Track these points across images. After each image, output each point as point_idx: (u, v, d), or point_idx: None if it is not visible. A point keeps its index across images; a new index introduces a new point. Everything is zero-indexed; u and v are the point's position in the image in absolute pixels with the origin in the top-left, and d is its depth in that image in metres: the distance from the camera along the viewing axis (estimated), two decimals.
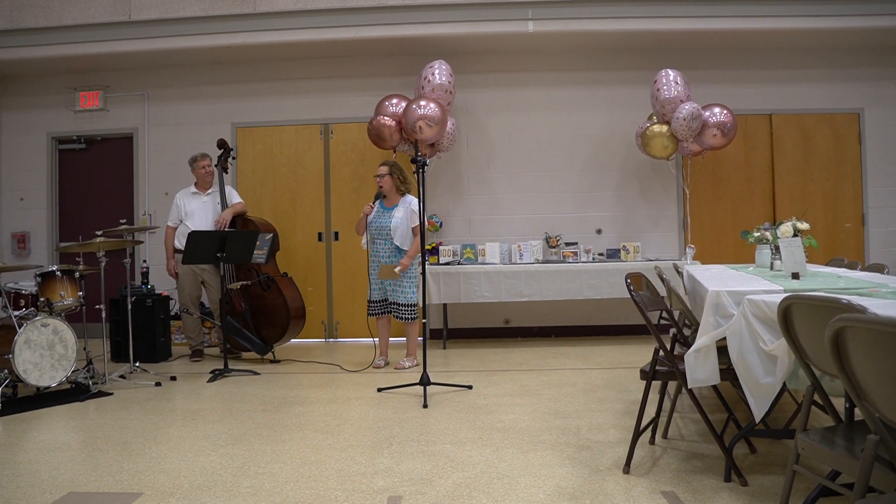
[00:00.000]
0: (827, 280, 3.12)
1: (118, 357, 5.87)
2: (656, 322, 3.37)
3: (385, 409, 4.11)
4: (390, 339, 5.62)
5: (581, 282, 6.18)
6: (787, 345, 2.06)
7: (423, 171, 4.54)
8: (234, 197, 6.04)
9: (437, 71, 6.23)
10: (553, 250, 6.57)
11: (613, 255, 6.59)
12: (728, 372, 2.70)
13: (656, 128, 6.26)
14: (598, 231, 6.95)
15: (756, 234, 4.16)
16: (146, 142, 7.25)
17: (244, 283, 5.86)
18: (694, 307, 3.59)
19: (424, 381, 4.31)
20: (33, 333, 4.40)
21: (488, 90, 7.03)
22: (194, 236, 5.24)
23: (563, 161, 7.01)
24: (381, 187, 5.34)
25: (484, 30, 6.37)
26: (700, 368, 2.72)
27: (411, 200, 5.29)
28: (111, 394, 4.66)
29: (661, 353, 2.90)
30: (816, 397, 2.16)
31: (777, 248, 3.61)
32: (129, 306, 5.23)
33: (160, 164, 7.21)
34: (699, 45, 6.83)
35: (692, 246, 6.36)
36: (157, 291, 6.22)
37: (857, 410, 1.85)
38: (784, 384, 2.48)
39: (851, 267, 4.08)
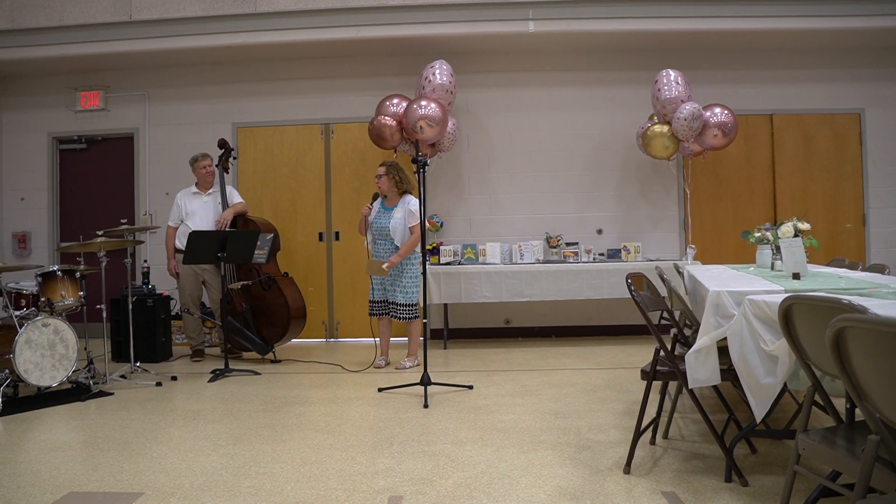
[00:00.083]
0: (828, 280, 3.12)
1: (119, 357, 5.87)
2: (657, 322, 3.37)
3: (386, 409, 4.11)
4: (392, 339, 5.62)
5: (582, 282, 6.19)
6: (788, 345, 2.06)
7: (424, 171, 4.54)
8: (234, 197, 6.04)
9: (437, 71, 6.24)
10: (554, 250, 6.57)
11: (614, 255, 6.59)
12: (729, 372, 2.70)
13: (657, 128, 6.26)
14: (599, 231, 6.95)
15: (757, 235, 4.16)
16: (147, 142, 7.26)
17: (245, 282, 5.86)
18: (695, 307, 3.59)
19: (425, 381, 4.31)
20: (34, 333, 4.41)
21: (489, 90, 7.03)
22: (195, 236, 5.24)
23: (564, 161, 7.01)
24: (379, 188, 5.35)
25: (485, 30, 6.37)
26: (701, 368, 2.72)
27: (410, 200, 5.29)
28: (112, 394, 4.66)
29: (662, 353, 2.90)
30: (817, 398, 2.16)
31: (778, 248, 3.61)
32: (130, 306, 5.24)
33: (161, 164, 7.21)
34: (700, 45, 6.83)
35: (693, 246, 6.36)
36: (157, 291, 6.22)
37: (857, 411, 1.85)
38: (785, 384, 2.48)
39: (852, 267, 4.08)
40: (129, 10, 6.51)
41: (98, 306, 5.08)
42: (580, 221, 6.96)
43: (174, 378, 5.15)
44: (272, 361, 5.81)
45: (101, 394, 4.61)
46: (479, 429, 3.63)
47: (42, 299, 4.70)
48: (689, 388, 2.78)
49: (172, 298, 6.37)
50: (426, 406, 4.12)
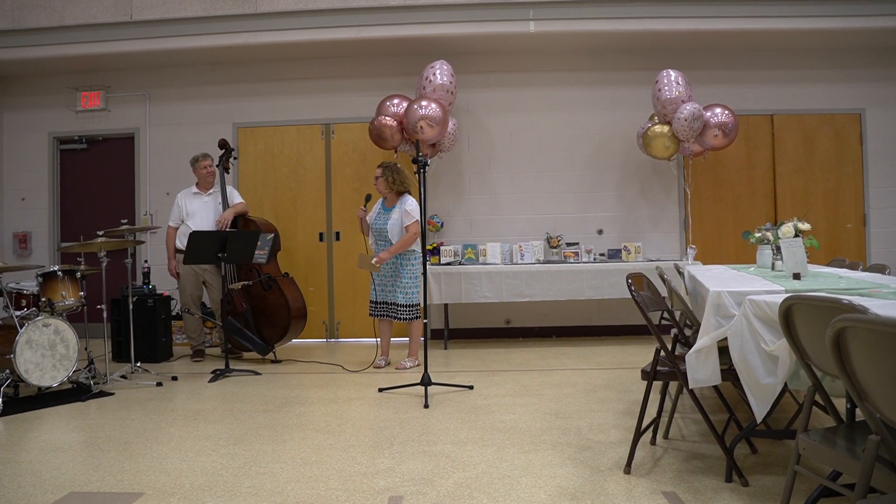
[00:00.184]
0: (828, 280, 3.12)
1: (119, 357, 5.87)
2: (657, 322, 3.37)
3: (386, 410, 4.11)
4: (392, 339, 5.62)
5: (582, 282, 6.19)
6: (789, 345, 2.06)
7: (425, 172, 4.54)
8: (235, 197, 6.05)
9: (438, 71, 6.24)
10: (554, 250, 6.57)
11: (614, 255, 6.59)
12: (729, 372, 2.70)
13: (657, 128, 6.26)
14: (600, 231, 6.95)
15: (757, 235, 4.16)
16: (147, 142, 7.26)
17: (245, 283, 5.87)
18: (695, 307, 3.59)
19: (425, 382, 4.31)
20: (35, 333, 4.41)
21: (489, 90, 7.03)
22: (195, 236, 5.24)
23: (565, 161, 7.01)
24: (378, 189, 5.39)
25: (485, 30, 6.37)
26: (701, 369, 2.72)
27: (406, 200, 5.30)
28: (112, 394, 4.66)
29: (663, 353, 2.90)
30: (817, 398, 2.16)
31: (778, 248, 3.61)
32: (131, 306, 5.24)
33: (161, 164, 7.21)
34: (700, 45, 6.83)
35: (693, 246, 6.35)
36: (158, 291, 6.22)
37: (858, 411, 1.85)
38: (785, 384, 2.48)
39: (853, 267, 4.08)
40: (129, 10, 6.51)
41: (98, 306, 5.08)
42: (581, 221, 6.96)
43: (175, 378, 5.15)
44: (273, 361, 5.81)
45: (102, 394, 4.62)
46: (479, 429, 3.63)
47: (43, 299, 4.70)
48: (690, 388, 2.78)
49: (173, 298, 6.37)
50: (426, 406, 4.12)
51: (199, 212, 5.91)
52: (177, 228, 5.93)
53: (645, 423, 2.97)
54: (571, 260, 6.46)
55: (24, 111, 7.38)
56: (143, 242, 6.47)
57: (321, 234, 7.10)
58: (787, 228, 3.41)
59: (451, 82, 6.27)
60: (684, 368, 2.78)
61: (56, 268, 4.82)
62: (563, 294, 6.20)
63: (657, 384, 3.49)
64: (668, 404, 3.54)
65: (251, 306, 5.92)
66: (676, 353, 3.13)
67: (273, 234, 5.93)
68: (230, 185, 6.17)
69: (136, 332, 5.44)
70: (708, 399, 3.97)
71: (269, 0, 6.40)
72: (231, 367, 5.32)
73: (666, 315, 3.25)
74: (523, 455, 3.16)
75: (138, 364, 5.34)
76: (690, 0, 6.27)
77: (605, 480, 2.80)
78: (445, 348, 6.44)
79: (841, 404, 2.22)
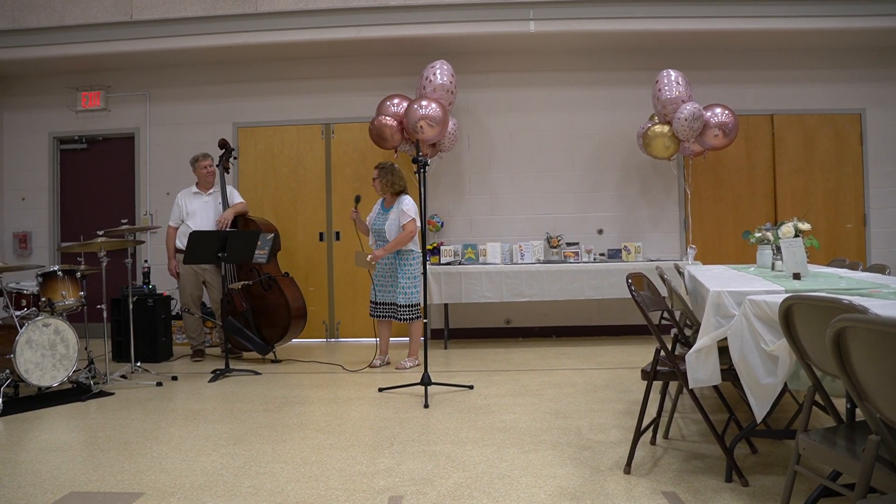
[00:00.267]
0: (828, 280, 3.12)
1: (119, 357, 5.88)
2: (657, 322, 3.37)
3: (386, 409, 4.11)
4: (392, 339, 5.63)
5: (582, 282, 6.19)
6: (789, 345, 2.06)
7: (425, 171, 4.54)
8: (235, 197, 6.05)
9: (438, 71, 6.24)
10: (554, 250, 6.57)
11: (615, 255, 6.58)
12: (729, 372, 2.70)
13: (658, 128, 6.26)
14: (600, 231, 6.95)
15: (757, 235, 4.16)
16: (147, 142, 7.26)
17: (245, 282, 5.87)
18: (695, 307, 3.59)
19: (425, 381, 4.31)
20: (35, 333, 4.41)
21: (490, 90, 7.03)
22: (196, 236, 5.24)
23: (565, 161, 7.01)
24: (376, 190, 5.45)
25: (485, 30, 6.37)
26: (701, 368, 2.72)
27: (403, 200, 5.32)
28: (112, 394, 4.67)
29: (663, 353, 2.90)
30: (817, 398, 2.16)
31: (778, 248, 3.61)
32: (131, 306, 5.24)
33: (161, 164, 7.21)
34: (700, 45, 6.83)
35: (693, 246, 6.35)
36: (158, 291, 6.22)
37: (858, 411, 1.85)
38: (785, 384, 2.48)
39: (853, 267, 4.08)
40: (129, 10, 6.51)
41: (98, 306, 5.08)
42: (581, 221, 6.96)
43: (174, 378, 5.15)
44: (272, 361, 5.81)
45: (102, 394, 4.62)
46: (479, 429, 3.63)
47: (43, 299, 4.70)
48: (690, 388, 2.78)
49: (173, 298, 6.37)
50: (426, 406, 4.12)
51: (200, 212, 5.91)
52: (177, 228, 5.93)
53: (645, 422, 2.97)
54: (571, 260, 6.46)
55: (24, 111, 7.38)
56: (143, 242, 6.46)
57: (321, 234, 7.10)
58: (787, 228, 3.41)
59: (451, 82, 6.27)
60: (684, 368, 2.78)
61: (56, 268, 4.82)
62: (563, 294, 6.20)
63: (657, 384, 3.49)
64: (668, 404, 3.54)
65: (251, 306, 5.92)
66: (676, 353, 3.13)
67: (273, 234, 5.93)
68: (230, 184, 6.17)
69: (136, 331, 5.45)
70: (708, 399, 3.97)
71: (269, 0, 6.41)
72: (231, 366, 5.32)
73: (666, 315, 3.25)
74: (523, 455, 3.16)
75: (138, 364, 5.34)
76: (690, 0, 6.27)
77: (605, 480, 2.80)
78: (445, 348, 6.44)
79: (841, 404, 2.22)
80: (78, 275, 4.90)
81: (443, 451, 3.23)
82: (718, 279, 3.37)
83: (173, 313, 6.38)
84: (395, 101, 6.35)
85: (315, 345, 6.83)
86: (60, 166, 7.42)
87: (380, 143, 6.38)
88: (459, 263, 6.42)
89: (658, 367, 2.92)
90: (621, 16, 6.29)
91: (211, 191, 6.01)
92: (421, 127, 6.04)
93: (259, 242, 5.63)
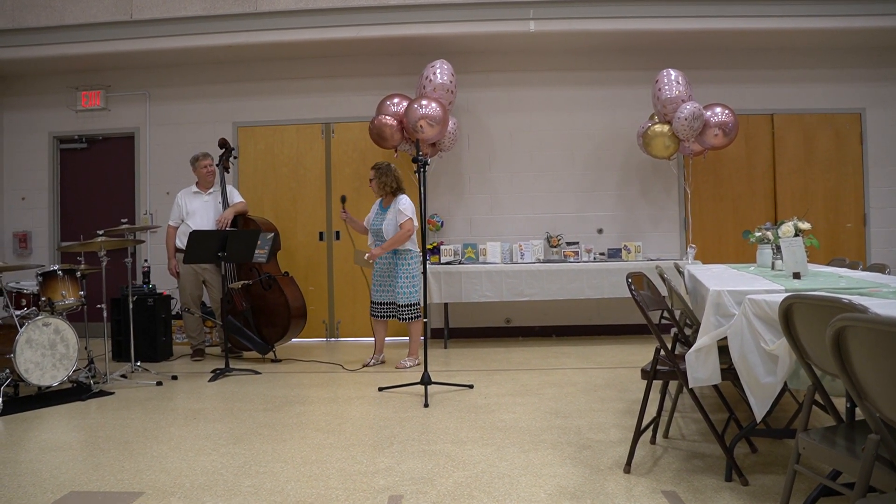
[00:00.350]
0: (828, 280, 3.12)
1: (119, 356, 5.88)
2: (657, 322, 3.37)
3: (386, 409, 4.11)
4: (391, 338, 5.64)
5: (582, 281, 6.19)
6: (788, 344, 2.06)
7: (424, 171, 4.54)
8: (235, 196, 6.05)
9: (438, 70, 6.24)
10: (554, 250, 6.57)
11: (614, 254, 6.58)
12: (729, 371, 2.70)
13: (658, 127, 6.26)
14: (600, 231, 6.95)
15: (757, 234, 4.16)
16: (147, 141, 7.26)
17: (245, 282, 5.87)
18: (695, 307, 3.59)
19: (425, 381, 4.32)
20: (35, 333, 4.41)
21: (489, 90, 7.03)
22: (195, 236, 5.24)
23: (565, 161, 7.01)
24: (373, 190, 5.48)
25: (485, 29, 6.37)
26: (701, 368, 2.72)
27: (399, 199, 5.33)
28: (112, 393, 4.67)
29: (662, 352, 2.90)
30: (817, 397, 2.16)
31: (778, 247, 3.61)
32: (131, 306, 5.24)
33: (161, 164, 7.21)
34: (700, 44, 6.83)
35: (693, 246, 6.36)
36: (158, 291, 6.22)
37: (857, 410, 1.85)
38: (785, 384, 2.48)
39: (853, 267, 4.08)
40: (129, 10, 6.51)
41: (98, 306, 5.08)
42: (581, 221, 6.96)
43: (174, 377, 5.15)
44: (272, 361, 5.81)
45: (102, 393, 4.62)
46: (479, 428, 3.63)
47: (43, 299, 4.70)
48: (690, 387, 2.78)
49: (173, 298, 6.38)
50: (426, 405, 4.12)
51: (199, 211, 5.91)
52: (177, 228, 5.93)
53: (645, 422, 2.97)
54: (571, 259, 6.46)
55: (24, 111, 7.38)
56: (142, 242, 6.46)
57: (321, 234, 7.10)
58: (787, 228, 3.41)
59: (451, 82, 6.27)
60: (684, 368, 2.78)
61: (56, 267, 4.82)
62: (563, 293, 6.20)
63: (657, 383, 3.49)
64: (667, 403, 3.54)
65: (251, 305, 5.92)
66: (676, 352, 3.13)
67: (273, 234, 5.93)
68: (230, 184, 6.17)
69: (136, 331, 5.45)
70: (708, 398, 3.97)
71: None
72: (231, 366, 5.32)
73: (666, 314, 3.25)
74: (523, 454, 3.16)
75: (138, 363, 5.34)
76: (690, 0, 6.27)
77: (604, 479, 2.80)
78: (445, 347, 6.44)
79: (841, 403, 2.22)
80: (78, 274, 4.90)
81: (443, 451, 3.23)
82: (718, 278, 3.37)
83: (173, 313, 6.38)
84: (395, 100, 6.35)
85: (315, 344, 6.83)
86: (60, 166, 7.42)
87: (380, 142, 6.38)
88: (459, 263, 6.42)
89: (658, 367, 2.92)
90: (621, 15, 6.29)
91: (211, 190, 6.01)
92: (421, 126, 6.04)
93: (259, 242, 5.63)
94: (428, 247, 6.33)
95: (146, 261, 6.77)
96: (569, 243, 6.60)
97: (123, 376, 5.06)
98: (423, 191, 4.56)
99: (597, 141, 6.99)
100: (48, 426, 3.87)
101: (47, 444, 3.50)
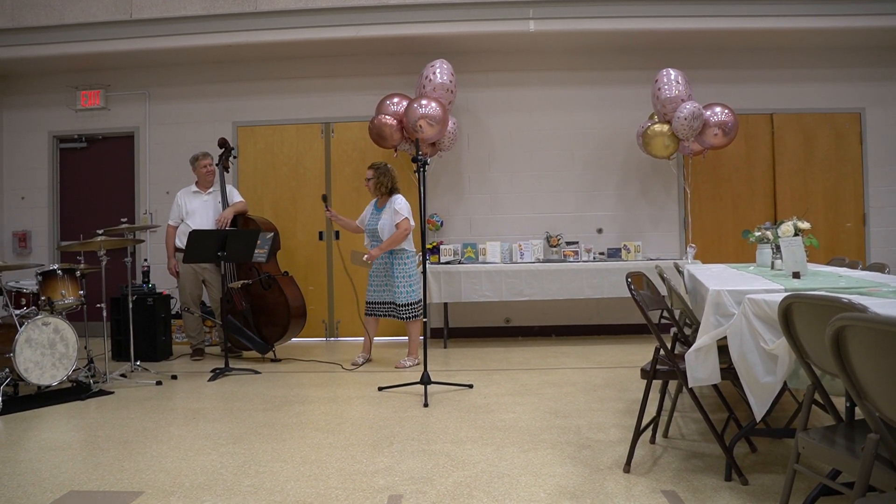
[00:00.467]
0: (828, 279, 3.12)
1: (119, 356, 5.88)
2: (657, 321, 3.37)
3: (386, 408, 4.11)
4: (392, 338, 5.64)
5: (582, 281, 6.19)
6: (788, 344, 2.06)
7: (424, 171, 4.54)
8: (235, 196, 6.05)
9: (438, 70, 6.24)
10: (554, 249, 6.57)
11: (614, 254, 6.58)
12: (729, 371, 2.70)
13: (657, 127, 6.26)
14: (599, 230, 6.95)
15: (757, 234, 4.16)
16: (147, 141, 7.26)
17: (245, 281, 5.87)
18: (695, 306, 3.59)
19: (425, 380, 4.32)
20: (34, 332, 4.41)
21: (489, 89, 7.03)
22: (195, 235, 5.24)
23: (564, 160, 7.01)
24: (369, 190, 5.51)
25: (485, 29, 6.37)
26: (701, 367, 2.72)
27: (395, 199, 5.35)
28: (112, 392, 4.66)
29: (662, 352, 2.90)
30: (817, 396, 2.16)
31: (778, 247, 3.61)
32: (130, 305, 5.24)
33: (161, 163, 7.21)
34: (700, 44, 6.83)
35: (693, 245, 6.36)
36: (158, 290, 6.22)
37: (857, 409, 1.85)
38: (785, 383, 2.48)
39: (852, 266, 4.08)
40: (129, 9, 6.51)
41: (98, 305, 5.09)
42: (580, 220, 6.96)
43: (174, 377, 5.15)
44: (272, 360, 5.81)
45: (102, 393, 4.62)
46: (478, 428, 3.63)
47: (42, 298, 4.70)
48: (689, 386, 2.78)
49: (172, 297, 6.37)
50: (426, 405, 4.12)
51: (199, 210, 5.91)
52: (176, 227, 5.93)
53: (644, 421, 2.97)
54: (571, 259, 6.46)
55: (23, 110, 7.37)
56: (142, 241, 6.47)
57: (321, 234, 7.10)
58: (786, 227, 3.41)
59: (450, 81, 6.27)
60: (684, 367, 2.78)
61: (56, 266, 4.82)
62: (563, 293, 6.20)
63: (657, 383, 3.49)
64: (667, 403, 3.54)
65: (251, 305, 5.92)
66: (676, 351, 3.13)
67: (273, 233, 5.93)
68: (230, 183, 6.17)
69: (136, 330, 5.45)
70: (707, 398, 3.97)
71: None
72: (231, 365, 5.32)
73: (665, 314, 3.25)
74: (523, 454, 3.16)
75: (138, 363, 5.34)
76: (690, 0, 6.27)
77: (604, 479, 2.80)
78: (445, 347, 6.44)
79: (840, 403, 2.22)
80: (77, 274, 4.90)
81: (442, 450, 3.23)
82: (718, 278, 3.37)
83: (173, 312, 6.38)
84: (395, 100, 6.35)
85: (314, 344, 6.83)
86: (60, 165, 7.42)
87: (379, 142, 6.38)
88: (459, 262, 6.42)
89: (658, 366, 2.92)
90: (621, 15, 6.29)
91: (210, 190, 6.01)
92: (421, 126, 6.04)
93: (259, 241, 5.64)
94: (427, 246, 6.34)
95: (146, 260, 6.77)
96: (568, 243, 6.60)
97: (123, 376, 5.06)
98: (422, 190, 4.56)
99: (596, 141, 6.99)
100: (48, 425, 3.87)
101: (47, 443, 3.50)
